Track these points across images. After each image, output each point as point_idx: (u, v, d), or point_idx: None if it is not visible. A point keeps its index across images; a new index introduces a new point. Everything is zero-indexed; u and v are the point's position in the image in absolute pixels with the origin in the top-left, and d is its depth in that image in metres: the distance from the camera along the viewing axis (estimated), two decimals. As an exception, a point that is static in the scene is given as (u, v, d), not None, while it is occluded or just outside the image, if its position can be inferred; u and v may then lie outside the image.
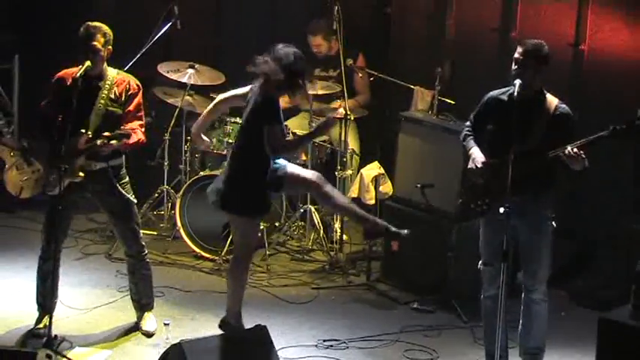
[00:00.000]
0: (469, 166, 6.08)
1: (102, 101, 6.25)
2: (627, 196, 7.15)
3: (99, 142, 6.11)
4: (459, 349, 6.67)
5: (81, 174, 6.23)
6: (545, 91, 5.91)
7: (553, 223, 6.00)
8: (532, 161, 5.74)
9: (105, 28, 6.26)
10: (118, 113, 6.29)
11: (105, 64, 6.31)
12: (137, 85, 6.41)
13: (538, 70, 5.84)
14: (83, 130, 6.18)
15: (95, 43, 6.18)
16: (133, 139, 6.21)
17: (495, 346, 5.78)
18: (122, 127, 6.23)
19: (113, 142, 6.12)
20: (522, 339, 6.16)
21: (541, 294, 6.03)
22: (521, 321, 6.14)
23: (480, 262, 6.11)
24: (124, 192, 6.39)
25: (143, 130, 6.35)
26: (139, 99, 6.38)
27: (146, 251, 6.62)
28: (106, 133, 6.11)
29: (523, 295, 6.10)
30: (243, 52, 9.18)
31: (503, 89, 5.99)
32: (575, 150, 5.64)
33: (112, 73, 6.34)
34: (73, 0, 9.09)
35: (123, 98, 6.31)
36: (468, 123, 6.22)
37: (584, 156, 5.66)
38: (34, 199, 8.44)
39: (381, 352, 6.58)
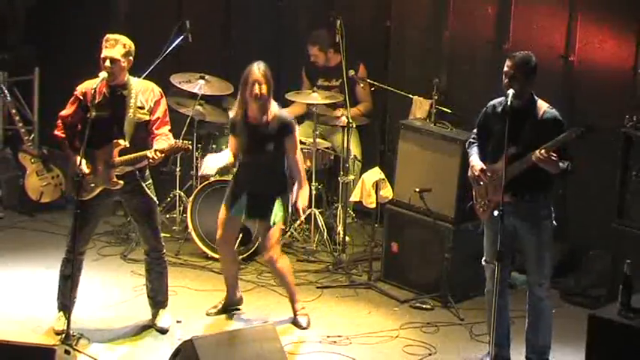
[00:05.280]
0: (469, 174, 6.11)
1: (131, 110, 6.27)
2: (614, 200, 7.16)
3: (150, 154, 6.15)
4: (456, 344, 6.68)
5: (120, 182, 6.26)
6: (537, 98, 5.94)
7: (554, 222, 6.02)
8: (517, 166, 5.79)
9: (125, 39, 6.27)
10: (146, 120, 6.31)
11: (127, 74, 6.32)
12: (160, 92, 6.42)
13: (527, 81, 5.86)
14: (116, 140, 6.20)
15: (114, 54, 6.19)
16: (171, 144, 6.26)
17: (491, 338, 5.83)
18: (156, 135, 6.27)
19: (162, 154, 6.18)
20: (530, 338, 6.15)
21: (546, 291, 6.05)
22: (527, 320, 6.15)
23: (483, 259, 6.13)
24: (149, 192, 6.42)
25: (170, 134, 6.40)
26: (165, 105, 6.41)
27: (164, 251, 6.64)
28: (158, 147, 6.16)
29: (528, 294, 6.11)
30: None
31: (501, 98, 6.02)
32: (542, 152, 5.68)
33: (134, 81, 6.35)
34: (90, 15, 9.12)
35: (149, 105, 6.32)
36: (474, 130, 6.25)
37: (553, 158, 5.68)
38: (54, 203, 8.55)
39: (382, 347, 6.60)
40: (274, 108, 6.56)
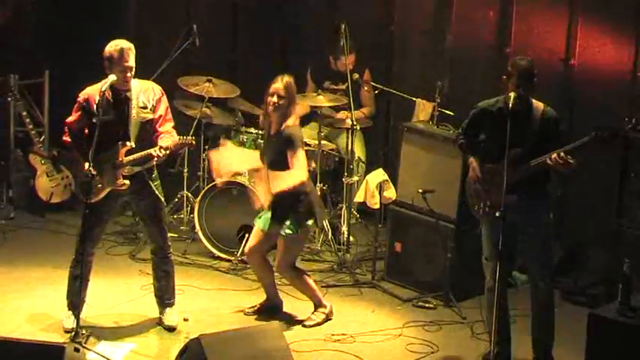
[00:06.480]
0: (470, 175, 6.09)
1: (134, 111, 6.27)
2: (613, 200, 7.16)
3: (154, 152, 6.16)
4: (458, 343, 6.67)
5: (126, 182, 6.26)
6: (531, 99, 5.94)
7: (551, 215, 6.01)
8: (523, 169, 5.78)
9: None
10: (149, 118, 6.32)
11: None
12: (160, 90, 6.43)
13: (532, 85, 5.87)
14: (122, 142, 6.21)
15: (133, 61, 6.20)
16: (175, 141, 6.27)
17: (491, 336, 5.82)
18: (161, 134, 6.28)
19: (167, 151, 6.19)
20: (536, 335, 6.14)
21: (549, 283, 6.04)
22: (531, 317, 6.14)
23: (484, 257, 6.13)
24: (157, 192, 6.43)
25: (174, 131, 6.40)
26: (166, 102, 6.42)
27: (171, 250, 6.64)
28: (163, 144, 6.17)
29: (531, 291, 6.10)
30: (256, 67, 9.27)
31: (491, 100, 6.04)
32: (558, 156, 5.67)
33: (134, 82, 6.34)
34: (99, 20, 9.12)
35: (151, 104, 6.33)
36: (459, 132, 6.23)
37: (570, 161, 5.68)
38: (64, 204, 8.56)
39: (385, 345, 6.60)
40: (290, 122, 6.49)
